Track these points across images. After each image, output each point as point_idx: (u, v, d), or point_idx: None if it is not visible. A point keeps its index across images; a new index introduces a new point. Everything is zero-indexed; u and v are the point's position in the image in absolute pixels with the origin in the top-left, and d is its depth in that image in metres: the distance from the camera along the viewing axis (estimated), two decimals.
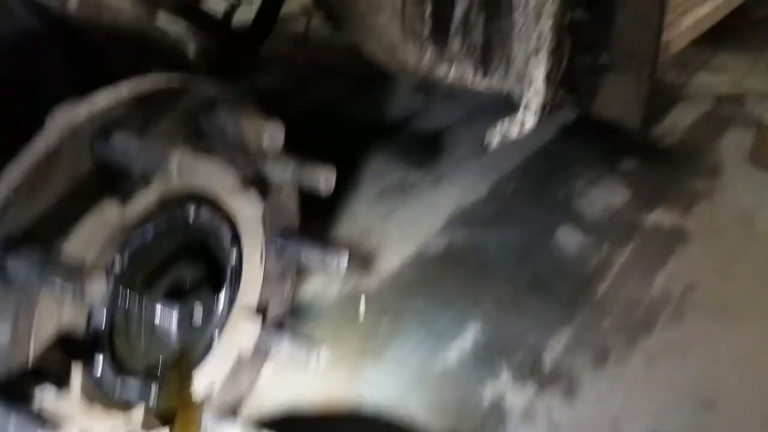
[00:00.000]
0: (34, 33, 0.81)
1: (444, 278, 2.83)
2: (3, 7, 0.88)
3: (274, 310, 1.15)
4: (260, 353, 1.13)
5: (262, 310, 1.11)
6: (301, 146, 1.20)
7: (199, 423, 1.05)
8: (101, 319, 0.81)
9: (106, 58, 0.86)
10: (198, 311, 0.92)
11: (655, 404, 2.19)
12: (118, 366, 0.87)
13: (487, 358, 2.39)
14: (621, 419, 2.13)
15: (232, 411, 1.09)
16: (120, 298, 0.84)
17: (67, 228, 0.72)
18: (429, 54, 2.17)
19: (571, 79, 1.79)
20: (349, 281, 2.78)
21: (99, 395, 0.85)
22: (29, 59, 0.80)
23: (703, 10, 2.79)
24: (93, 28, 0.83)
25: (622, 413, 2.15)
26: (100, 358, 0.83)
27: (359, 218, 3.26)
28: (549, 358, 2.38)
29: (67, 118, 0.72)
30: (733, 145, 3.93)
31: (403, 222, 3.25)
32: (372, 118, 4.31)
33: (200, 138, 0.88)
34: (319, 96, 4.38)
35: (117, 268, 0.82)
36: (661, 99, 4.64)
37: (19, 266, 0.67)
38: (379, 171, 3.67)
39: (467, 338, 2.48)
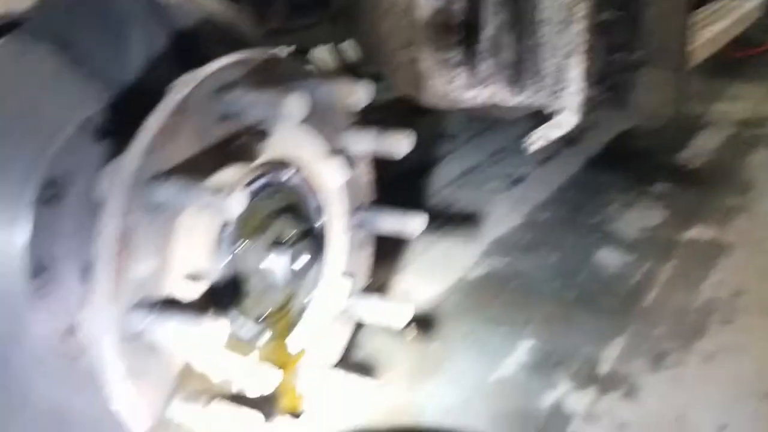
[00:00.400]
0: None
1: (489, 301, 2.87)
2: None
3: (359, 279, 1.22)
4: (349, 317, 1.20)
5: (348, 278, 1.19)
6: None
7: (296, 379, 1.11)
8: (225, 257, 0.90)
9: (195, 42, 0.98)
10: (302, 262, 1.00)
11: (719, 398, 2.18)
12: (237, 308, 0.95)
13: (543, 369, 2.40)
14: (688, 414, 2.13)
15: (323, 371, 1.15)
16: (237, 245, 0.93)
17: (198, 176, 0.82)
18: (459, 79, 2.29)
19: (606, 78, 1.88)
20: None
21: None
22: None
23: (719, 26, 2.92)
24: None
25: (687, 409, 2.15)
26: (223, 296, 0.91)
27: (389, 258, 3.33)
28: (606, 366, 2.39)
29: (191, 78, 0.83)
30: (762, 162, 4.00)
31: (440, 256, 3.31)
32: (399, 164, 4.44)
33: None
34: None
35: (233, 218, 0.92)
36: (685, 127, 4.75)
37: (165, 192, 0.77)
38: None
39: (521, 354, 2.50)
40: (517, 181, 4.11)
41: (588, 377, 2.34)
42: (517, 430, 2.12)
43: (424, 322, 2.71)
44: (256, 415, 0.82)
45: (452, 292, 2.94)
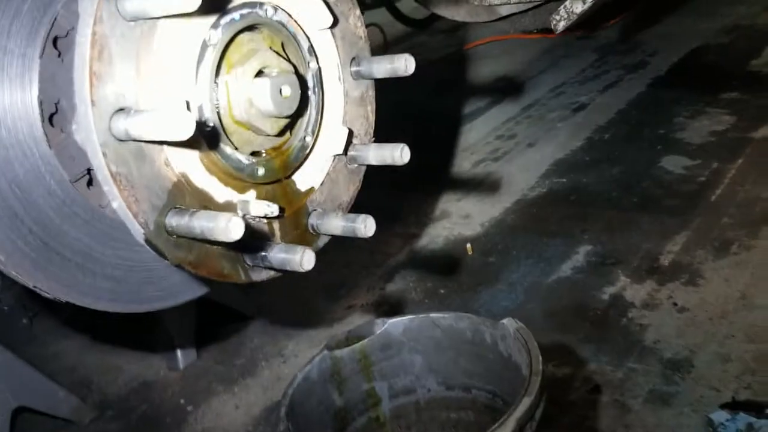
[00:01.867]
0: None
1: (547, 217, 2.83)
2: None
3: (360, 130, 1.25)
4: (355, 164, 1.23)
5: (349, 128, 1.22)
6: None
7: (306, 215, 1.16)
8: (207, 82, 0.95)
9: None
10: (288, 88, 1.04)
11: None
12: (230, 142, 1.00)
13: (600, 269, 2.36)
14: (750, 293, 2.03)
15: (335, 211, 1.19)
16: (219, 73, 0.98)
17: None
18: None
19: None
20: (453, 231, 2.85)
21: (217, 160, 0.98)
22: None
23: None
24: None
25: (751, 289, 2.05)
26: (212, 127, 0.97)
27: (456, 186, 3.34)
28: (667, 259, 2.32)
29: None
30: None
31: (499, 181, 3.29)
32: (454, 110, 4.43)
33: None
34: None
35: (214, 40, 0.97)
36: (758, 36, 4.49)
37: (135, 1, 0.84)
38: (470, 149, 3.76)
39: (578, 259, 2.46)
40: (579, 108, 4.01)
41: (648, 271, 2.27)
42: (571, 323, 2.09)
43: (482, 240, 2.71)
44: (236, 221, 0.86)
45: (510, 212, 2.92)
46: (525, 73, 4.90)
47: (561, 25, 1.91)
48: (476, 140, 3.85)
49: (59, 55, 1.02)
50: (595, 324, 2.07)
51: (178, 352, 2.28)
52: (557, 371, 1.91)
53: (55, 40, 1.02)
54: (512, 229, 2.78)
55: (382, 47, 5.10)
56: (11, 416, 2.01)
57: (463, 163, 3.58)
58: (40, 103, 1.01)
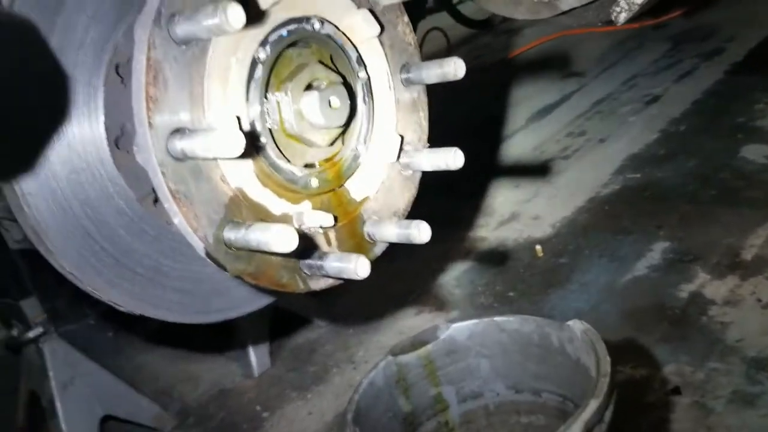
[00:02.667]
0: None
1: (620, 213, 2.75)
2: None
3: (413, 137, 1.26)
4: (409, 171, 1.23)
5: (401, 135, 1.22)
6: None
7: (361, 223, 1.17)
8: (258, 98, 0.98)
9: None
10: (336, 100, 1.06)
11: None
12: (283, 156, 1.03)
13: (678, 266, 2.27)
14: None
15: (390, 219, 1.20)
16: (270, 89, 1.01)
17: None
18: None
19: None
20: (523, 233, 2.81)
21: (271, 173, 1.01)
22: None
23: None
24: None
25: None
26: (265, 141, 1.00)
27: (525, 187, 3.29)
28: (749, 254, 2.21)
29: None
30: None
31: (570, 180, 3.22)
32: (521, 109, 4.36)
33: None
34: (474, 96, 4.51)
35: (263, 57, 1.00)
36: None
37: (182, 25, 0.87)
38: (540, 148, 3.69)
39: (653, 256, 2.37)
40: (652, 101, 3.88)
41: (729, 266, 2.17)
42: (647, 323, 2.02)
43: (553, 242, 2.66)
44: (289, 232, 0.88)
45: (582, 211, 2.86)
46: (595, 68, 4.78)
47: (622, 17, 1.85)
48: (545, 139, 3.79)
49: (122, 81, 1.08)
50: (673, 323, 1.99)
51: (253, 360, 2.34)
52: (635, 373, 1.86)
53: (117, 67, 1.08)
54: (584, 229, 2.71)
55: (446, 51, 5.08)
56: (99, 424, 2.12)
57: (533, 163, 3.53)
58: (107, 128, 1.07)
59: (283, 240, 0.89)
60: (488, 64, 5.51)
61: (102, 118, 1.08)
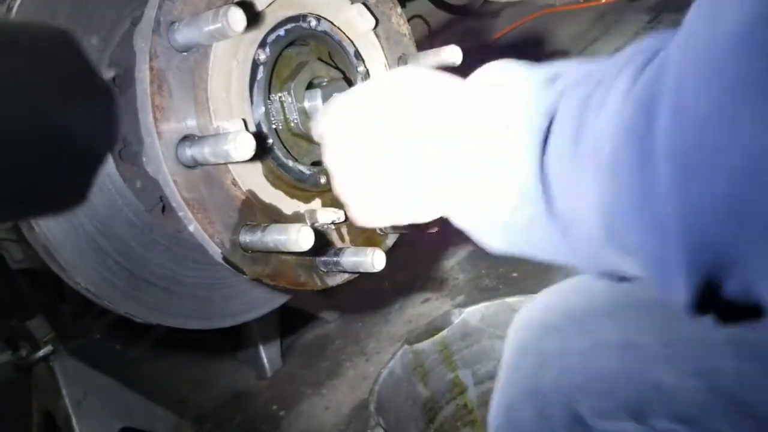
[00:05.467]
0: None
1: None
2: None
3: None
4: None
5: None
6: None
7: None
8: (262, 99, 0.98)
9: None
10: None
11: None
12: (290, 155, 1.03)
13: None
14: None
15: None
16: (272, 90, 1.02)
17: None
18: None
19: None
20: None
21: (280, 174, 1.01)
22: None
23: None
24: None
25: None
26: (272, 142, 1.00)
27: None
28: None
29: None
30: None
31: None
32: None
33: None
34: None
35: (263, 58, 1.00)
36: None
37: (182, 31, 0.87)
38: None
39: None
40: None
41: None
42: None
43: None
44: (306, 230, 0.89)
45: None
46: (577, 45, 4.79)
47: None
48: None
49: (120, 93, 1.08)
50: None
51: (265, 361, 2.35)
52: None
53: (114, 79, 1.08)
54: None
55: (427, 38, 5.08)
56: None
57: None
58: None
59: (301, 239, 0.89)
60: (471, 48, 5.50)
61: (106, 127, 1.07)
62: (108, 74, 1.08)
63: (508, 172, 0.65)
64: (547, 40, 5.02)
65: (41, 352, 2.04)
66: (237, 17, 0.83)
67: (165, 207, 1.12)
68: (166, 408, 2.25)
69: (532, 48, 5.02)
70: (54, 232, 1.03)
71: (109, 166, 1.08)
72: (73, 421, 2.07)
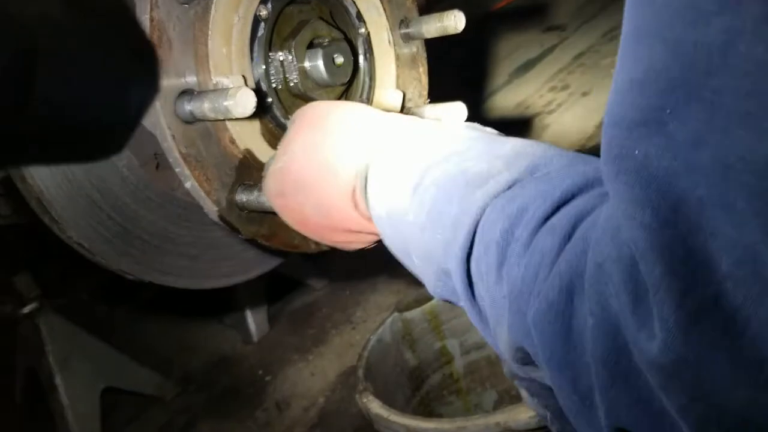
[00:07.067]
0: None
1: None
2: None
3: (414, 93, 1.25)
4: None
5: (402, 91, 1.22)
6: None
7: None
8: (262, 57, 0.97)
9: None
10: (340, 57, 1.04)
11: None
12: (288, 115, 1.02)
13: None
14: None
15: None
16: (272, 48, 1.00)
17: None
18: None
19: None
20: None
21: (278, 134, 1.00)
22: None
23: None
24: None
25: None
26: (271, 101, 0.98)
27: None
28: None
29: None
30: None
31: (556, 134, 3.24)
32: (501, 66, 4.35)
33: None
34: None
35: (264, 14, 0.98)
36: None
37: None
38: (524, 103, 3.70)
39: None
40: None
41: None
42: None
43: None
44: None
45: None
46: (575, 20, 4.76)
47: None
48: (529, 94, 3.79)
49: None
50: None
51: (252, 326, 2.35)
52: None
53: None
54: None
55: (425, 8, 5.02)
56: (100, 396, 2.13)
57: (518, 120, 3.53)
58: None
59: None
60: (471, 17, 5.44)
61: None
62: None
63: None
64: (544, 14, 4.99)
65: (27, 309, 2.03)
66: None
67: (159, 163, 1.11)
68: (151, 369, 2.25)
69: (528, 22, 4.99)
70: (47, 184, 1.01)
71: None
72: (57, 379, 2.07)
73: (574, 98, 3.55)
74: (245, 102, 0.84)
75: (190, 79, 0.90)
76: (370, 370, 1.36)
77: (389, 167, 0.78)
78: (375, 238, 0.88)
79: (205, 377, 2.28)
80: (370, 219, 0.81)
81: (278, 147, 0.92)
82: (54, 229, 1.06)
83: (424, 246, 0.73)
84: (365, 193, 0.79)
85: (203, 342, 2.44)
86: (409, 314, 1.48)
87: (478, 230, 0.66)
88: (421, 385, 1.51)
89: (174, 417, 2.17)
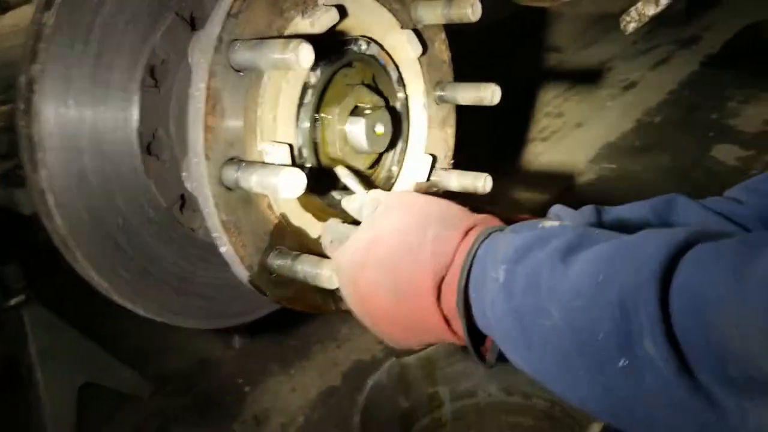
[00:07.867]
0: None
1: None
2: None
3: (440, 153, 1.26)
4: (436, 188, 1.24)
5: (430, 153, 1.23)
6: None
7: None
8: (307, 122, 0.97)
9: None
10: (381, 126, 1.05)
11: None
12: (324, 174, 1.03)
13: None
14: None
15: None
16: (319, 110, 1.00)
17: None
18: None
19: None
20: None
21: (312, 198, 1.01)
22: None
23: None
24: None
25: None
26: (310, 167, 0.99)
27: (504, 171, 3.33)
28: None
29: None
30: None
31: (547, 165, 3.28)
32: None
33: None
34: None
35: (314, 81, 0.98)
36: None
37: (243, 52, 0.85)
38: (518, 128, 3.73)
39: None
40: (629, 86, 3.94)
41: None
42: None
43: None
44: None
45: (560, 201, 2.91)
46: (573, 46, 4.80)
47: (631, 27, 1.87)
48: (523, 118, 3.82)
49: (156, 85, 1.04)
50: None
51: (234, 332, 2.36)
52: None
53: (152, 70, 1.05)
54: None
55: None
56: (77, 391, 2.11)
57: (510, 144, 3.56)
58: (140, 135, 1.04)
59: (334, 279, 0.90)
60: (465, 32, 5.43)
61: (136, 126, 1.04)
62: (149, 64, 1.05)
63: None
64: (544, 36, 5.02)
65: (13, 301, 2.00)
66: (306, 53, 0.82)
67: (184, 204, 1.11)
68: (128, 366, 2.24)
69: (527, 42, 5.01)
70: (74, 225, 1.00)
71: (135, 159, 1.05)
72: (37, 371, 2.05)
73: (568, 128, 3.59)
74: (295, 184, 0.85)
75: (238, 147, 0.91)
76: (366, 415, 1.39)
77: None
78: (441, 338, 0.88)
79: (182, 380, 2.28)
80: (447, 314, 0.82)
81: (363, 223, 0.92)
82: (75, 267, 1.05)
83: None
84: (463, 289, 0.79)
85: (183, 342, 2.43)
86: (407, 359, 1.51)
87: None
88: (411, 427, 1.55)
89: (148, 419, 2.17)
